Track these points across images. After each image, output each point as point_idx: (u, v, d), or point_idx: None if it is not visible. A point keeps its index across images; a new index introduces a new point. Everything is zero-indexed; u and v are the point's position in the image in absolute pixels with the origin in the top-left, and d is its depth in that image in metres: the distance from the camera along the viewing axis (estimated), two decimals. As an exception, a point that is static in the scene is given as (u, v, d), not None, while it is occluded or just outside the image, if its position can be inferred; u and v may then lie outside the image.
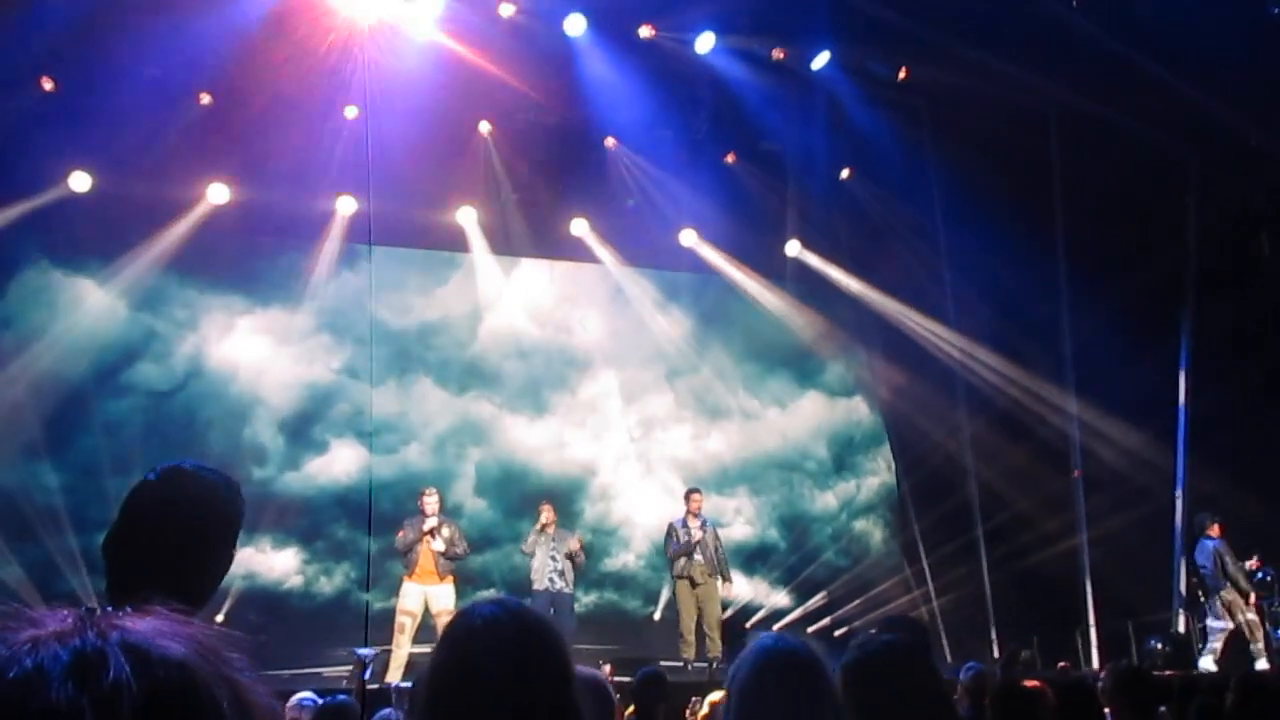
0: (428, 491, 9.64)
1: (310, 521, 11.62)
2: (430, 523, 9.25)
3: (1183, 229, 11.31)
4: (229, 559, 1.87)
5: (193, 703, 0.59)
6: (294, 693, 5.85)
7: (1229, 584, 9.45)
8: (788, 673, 2.02)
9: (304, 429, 11.97)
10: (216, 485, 1.86)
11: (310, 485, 11.78)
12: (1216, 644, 9.48)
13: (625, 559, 12.59)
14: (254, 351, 11.95)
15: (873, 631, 2.42)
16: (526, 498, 12.10)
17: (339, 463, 11.99)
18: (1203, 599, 9.84)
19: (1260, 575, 9.77)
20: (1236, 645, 9.47)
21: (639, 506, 12.81)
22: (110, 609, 0.65)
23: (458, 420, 12.67)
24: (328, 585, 11.68)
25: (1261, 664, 9.10)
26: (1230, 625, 9.46)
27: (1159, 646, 10.14)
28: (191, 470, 1.87)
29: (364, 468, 11.87)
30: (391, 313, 12.49)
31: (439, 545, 9.20)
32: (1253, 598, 9.55)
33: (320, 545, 11.69)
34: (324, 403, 12.13)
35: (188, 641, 0.62)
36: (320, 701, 5.13)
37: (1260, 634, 9.44)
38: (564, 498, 12.39)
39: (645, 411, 13.35)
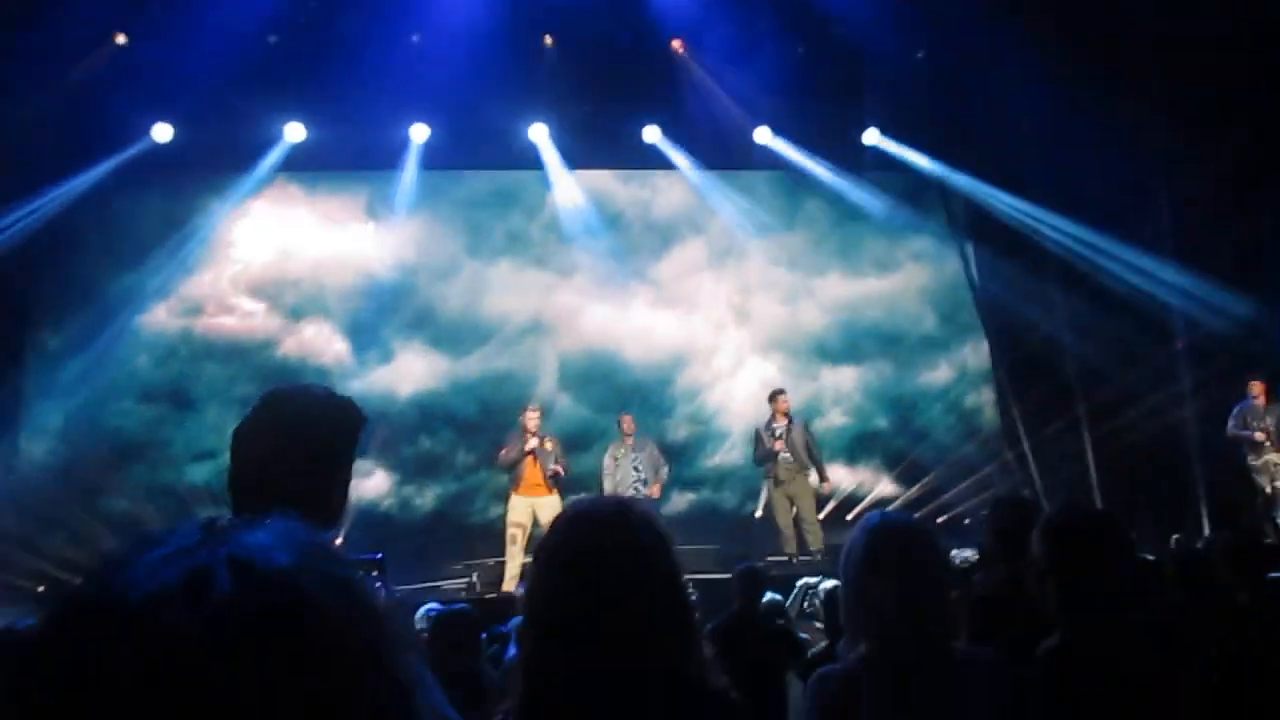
0: (531, 408, 9.87)
1: (390, 436, 11.61)
2: (532, 443, 9.49)
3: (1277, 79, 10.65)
4: (346, 476, 1.83)
5: (298, 611, 0.60)
6: (419, 605, 6.13)
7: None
8: (898, 546, 2.05)
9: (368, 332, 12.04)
10: (319, 403, 1.82)
11: (383, 396, 11.64)
12: None
13: (722, 455, 12.53)
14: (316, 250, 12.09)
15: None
16: (618, 391, 12.23)
17: (409, 369, 12.07)
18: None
19: None
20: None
21: (736, 395, 12.66)
22: (229, 521, 0.67)
23: (535, 314, 12.59)
24: (428, 500, 11.88)
25: None
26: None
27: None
28: (291, 393, 1.84)
29: (440, 373, 12.02)
30: (468, 228, 12.56)
31: (545, 449, 9.46)
32: None
33: (409, 461, 11.83)
34: (387, 301, 12.12)
35: (297, 549, 0.63)
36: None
37: None
38: (653, 390, 12.47)
39: (737, 287, 13.09)
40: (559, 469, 9.57)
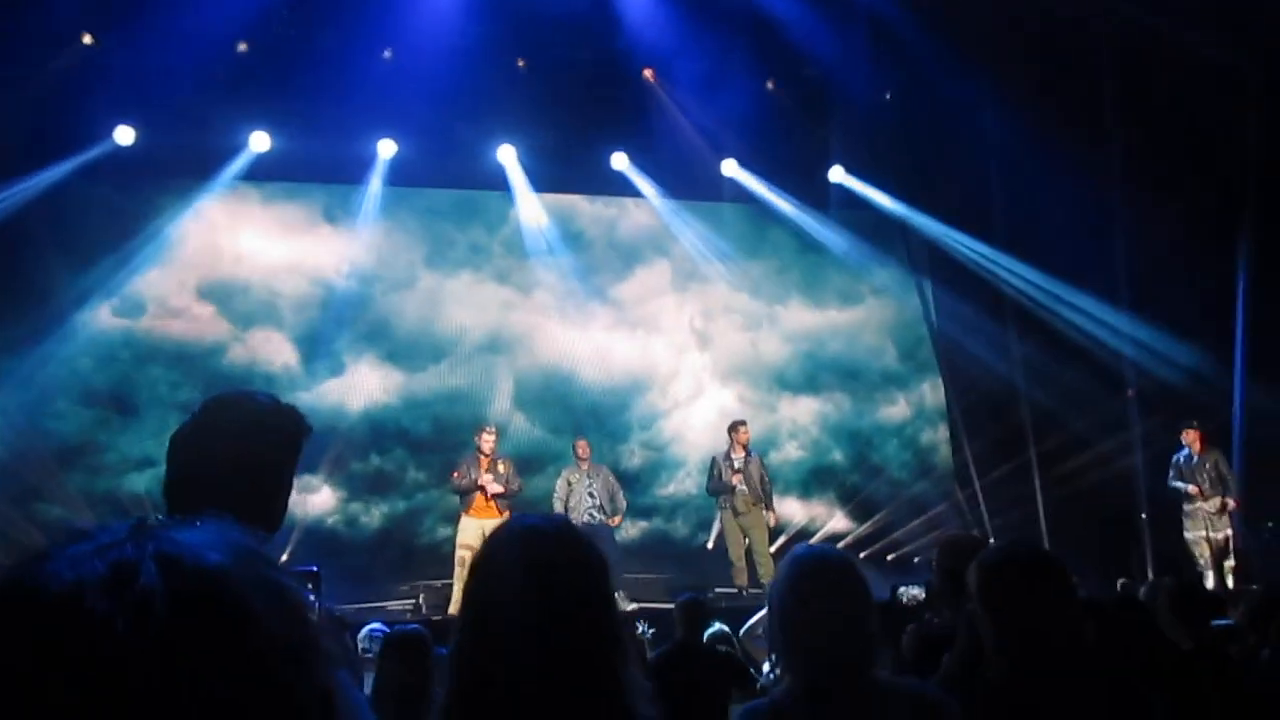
0: (487, 429, 9.79)
1: (339, 452, 11.34)
2: (486, 480, 9.41)
3: (1242, 143, 10.95)
4: (287, 486, 1.80)
5: (223, 608, 0.60)
6: (361, 625, 6.03)
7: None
8: (822, 578, 2.06)
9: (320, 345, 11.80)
10: (262, 410, 1.77)
11: (333, 410, 11.40)
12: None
13: (676, 485, 12.49)
14: (271, 257, 11.86)
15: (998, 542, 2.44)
16: (573, 413, 12.14)
17: (361, 383, 11.87)
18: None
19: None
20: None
21: (692, 423, 12.62)
22: (161, 520, 0.66)
23: (493, 331, 12.40)
24: (374, 518, 11.67)
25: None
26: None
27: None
28: (233, 399, 1.79)
29: (393, 388, 11.82)
30: (428, 240, 12.47)
31: (496, 488, 9.39)
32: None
33: (357, 477, 11.60)
34: (342, 311, 11.87)
35: (228, 549, 0.63)
36: (388, 630, 5.29)
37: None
38: (610, 414, 12.38)
39: (699, 312, 13.06)
40: (501, 489, 9.46)
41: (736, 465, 10.19)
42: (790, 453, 12.85)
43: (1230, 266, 11.09)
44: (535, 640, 1.42)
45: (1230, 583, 9.70)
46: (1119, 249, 11.43)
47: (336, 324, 11.79)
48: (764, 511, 10.23)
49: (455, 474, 9.71)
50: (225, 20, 9.98)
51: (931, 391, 13.35)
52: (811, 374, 13.13)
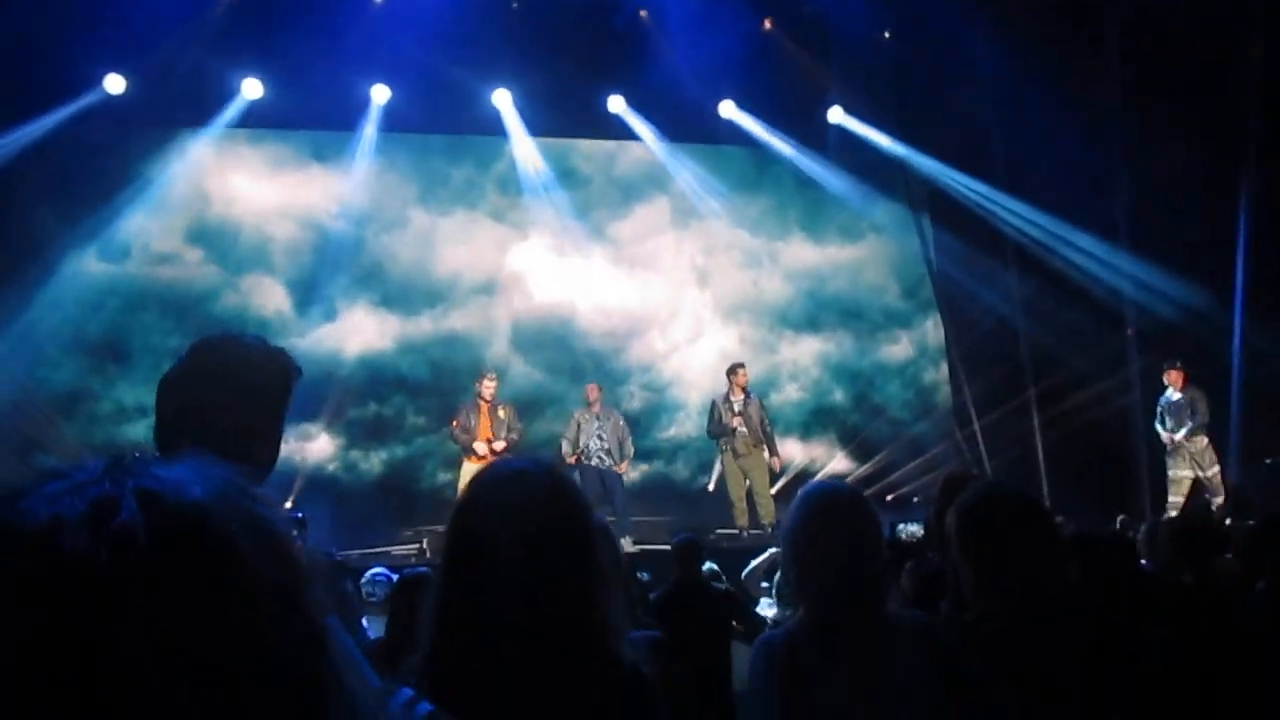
0: (488, 376, 9.80)
1: (337, 399, 11.30)
2: (481, 443, 9.41)
3: (1243, 78, 10.81)
4: (278, 427, 1.78)
5: (205, 542, 0.59)
6: (365, 569, 6.09)
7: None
8: (833, 513, 2.10)
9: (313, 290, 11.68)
10: (251, 352, 1.77)
11: (329, 356, 11.34)
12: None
13: (676, 427, 12.50)
14: (261, 200, 11.72)
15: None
16: (572, 355, 12.14)
17: (356, 327, 11.80)
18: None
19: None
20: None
21: (692, 365, 12.58)
22: (138, 456, 0.64)
23: (489, 273, 12.31)
24: (374, 465, 11.67)
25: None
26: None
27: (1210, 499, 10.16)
28: (221, 341, 1.79)
29: (389, 332, 11.73)
30: (421, 180, 12.33)
31: (498, 445, 9.41)
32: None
33: (355, 424, 11.58)
34: (336, 255, 11.74)
35: (211, 485, 0.62)
36: (394, 576, 5.34)
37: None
38: (608, 357, 12.36)
39: (699, 250, 12.96)
40: (504, 445, 9.48)
41: (736, 408, 10.23)
42: (791, 394, 12.87)
43: (1232, 204, 11.01)
44: (519, 583, 1.43)
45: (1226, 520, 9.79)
46: (1119, 186, 11.36)
47: (330, 268, 11.68)
48: (764, 454, 10.27)
49: (455, 423, 9.75)
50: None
51: (934, 330, 13.33)
52: (813, 313, 13.07)
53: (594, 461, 9.85)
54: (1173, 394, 10.20)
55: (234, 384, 1.72)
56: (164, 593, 0.56)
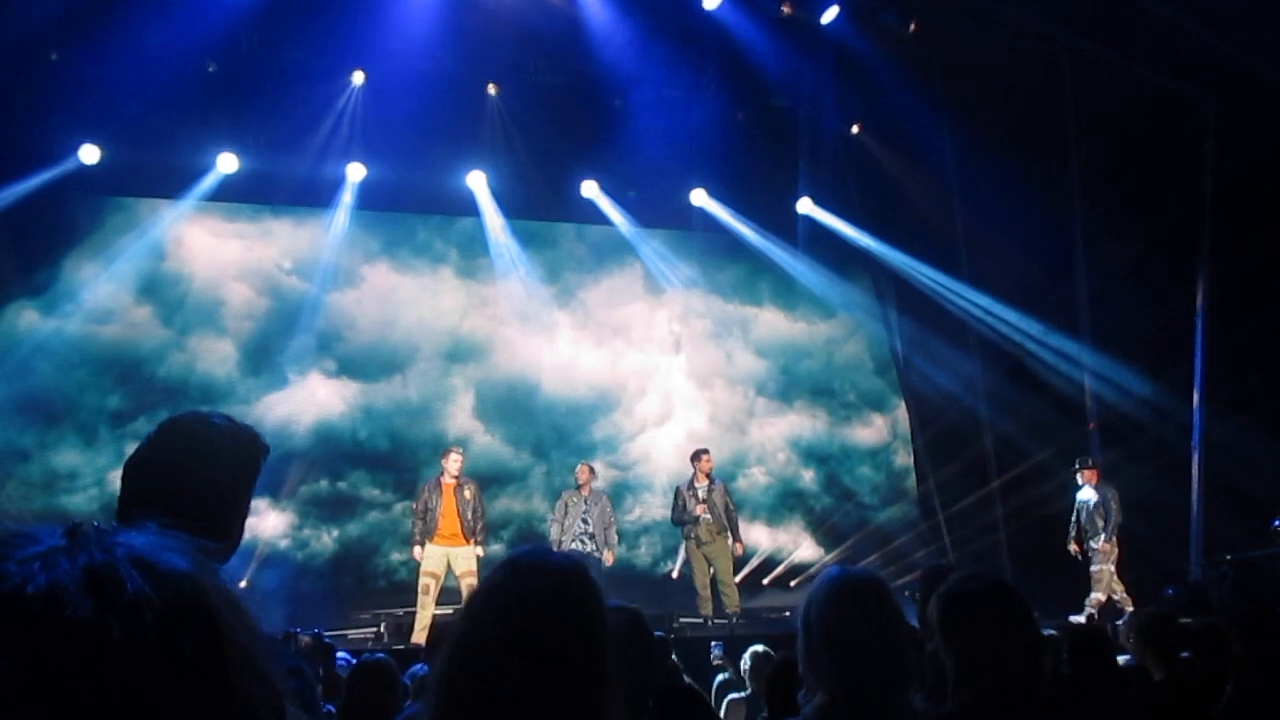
0: (453, 450, 9.62)
1: (286, 470, 10.89)
2: (419, 554, 9.21)
3: (1199, 173, 11.18)
4: (243, 508, 1.78)
5: (206, 612, 0.60)
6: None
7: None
8: (864, 599, 2.09)
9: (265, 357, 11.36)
10: (220, 433, 1.76)
11: (279, 426, 10.93)
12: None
13: (641, 509, 12.29)
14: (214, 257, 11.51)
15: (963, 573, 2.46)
16: (535, 427, 11.89)
17: (312, 394, 11.48)
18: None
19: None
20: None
21: (660, 443, 12.43)
22: (97, 525, 0.64)
23: (453, 339, 12.06)
24: (327, 543, 11.26)
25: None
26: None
27: (1175, 595, 10.18)
28: (189, 421, 1.78)
29: (345, 400, 11.38)
30: (387, 241, 12.23)
31: (466, 511, 9.22)
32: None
33: (307, 498, 11.21)
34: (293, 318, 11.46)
35: (186, 555, 0.63)
36: (354, 660, 5.20)
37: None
38: (574, 429, 12.18)
39: (669, 322, 12.85)
40: (478, 515, 9.31)
41: (700, 495, 10.11)
42: (758, 477, 12.82)
43: (1189, 297, 11.27)
44: (529, 679, 1.40)
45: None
46: (1079, 279, 11.61)
47: (285, 330, 11.43)
48: (729, 541, 10.19)
49: (415, 505, 9.52)
50: (195, 40, 9.90)
51: (906, 414, 13.41)
52: (785, 388, 13.05)
53: (573, 544, 9.67)
54: (1088, 492, 10.32)
55: (203, 467, 1.71)
56: (171, 662, 0.57)
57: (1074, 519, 10.34)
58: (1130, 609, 9.72)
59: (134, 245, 11.15)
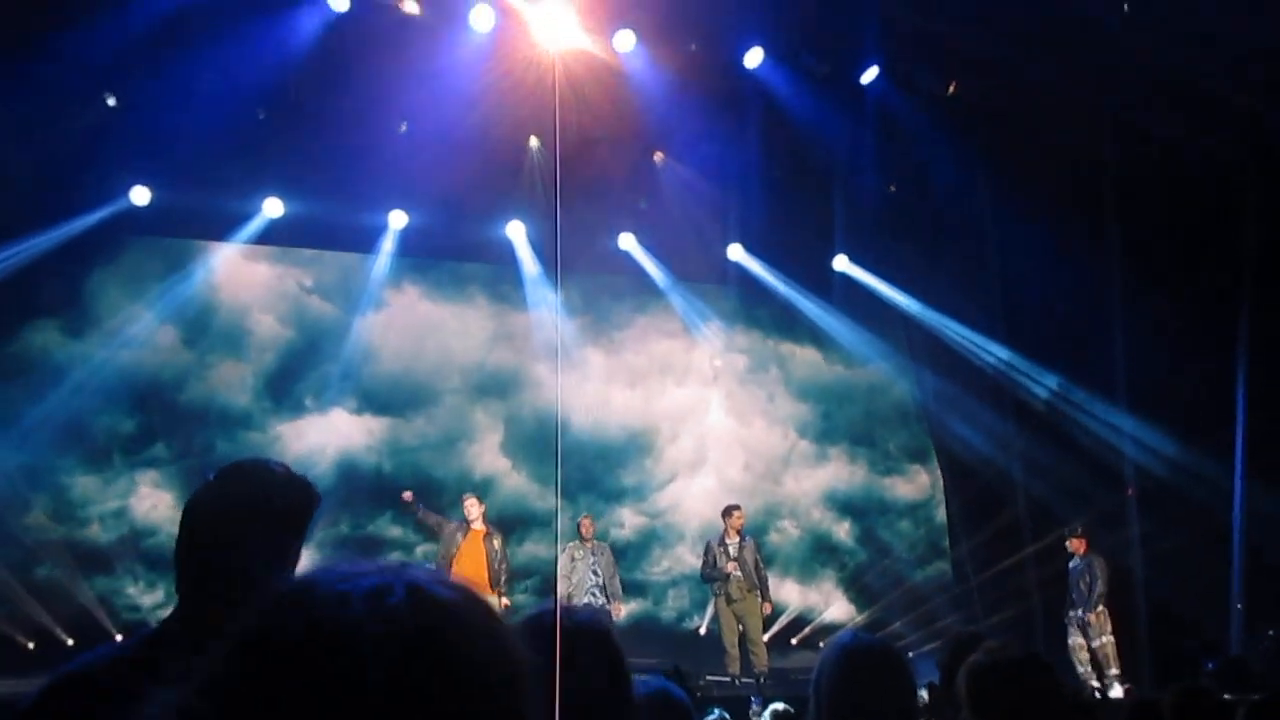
0: (471, 498, 9.60)
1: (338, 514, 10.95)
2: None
3: (1239, 236, 11.09)
4: (295, 555, 1.84)
5: (454, 634, 0.74)
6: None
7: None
8: (874, 666, 2.07)
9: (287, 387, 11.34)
10: (277, 481, 1.83)
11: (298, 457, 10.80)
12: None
13: (670, 560, 12.09)
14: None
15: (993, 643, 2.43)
16: (565, 467, 11.63)
17: (330, 428, 11.44)
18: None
19: None
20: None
21: (692, 490, 12.28)
22: (404, 561, 0.82)
23: (479, 373, 11.95)
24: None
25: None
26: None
27: (1215, 669, 9.92)
28: (249, 468, 1.86)
29: (371, 434, 11.25)
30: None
31: (495, 562, 9.17)
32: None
33: (327, 543, 10.94)
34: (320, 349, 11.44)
35: (461, 592, 0.79)
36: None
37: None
38: (602, 472, 12.02)
39: (705, 362, 12.68)
40: (500, 569, 9.25)
41: (731, 552, 10.03)
42: (790, 531, 12.64)
43: (1230, 363, 11.12)
44: None
45: (1119, 691, 9.64)
46: (1117, 342, 11.50)
47: (308, 361, 11.45)
48: (759, 599, 10.08)
49: (439, 550, 9.47)
50: (246, 88, 10.16)
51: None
52: (823, 436, 12.84)
53: (585, 598, 9.61)
54: (1075, 561, 10.22)
55: (260, 513, 1.78)
56: (409, 662, 0.71)
57: (1069, 590, 10.25)
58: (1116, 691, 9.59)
59: (179, 286, 11.35)
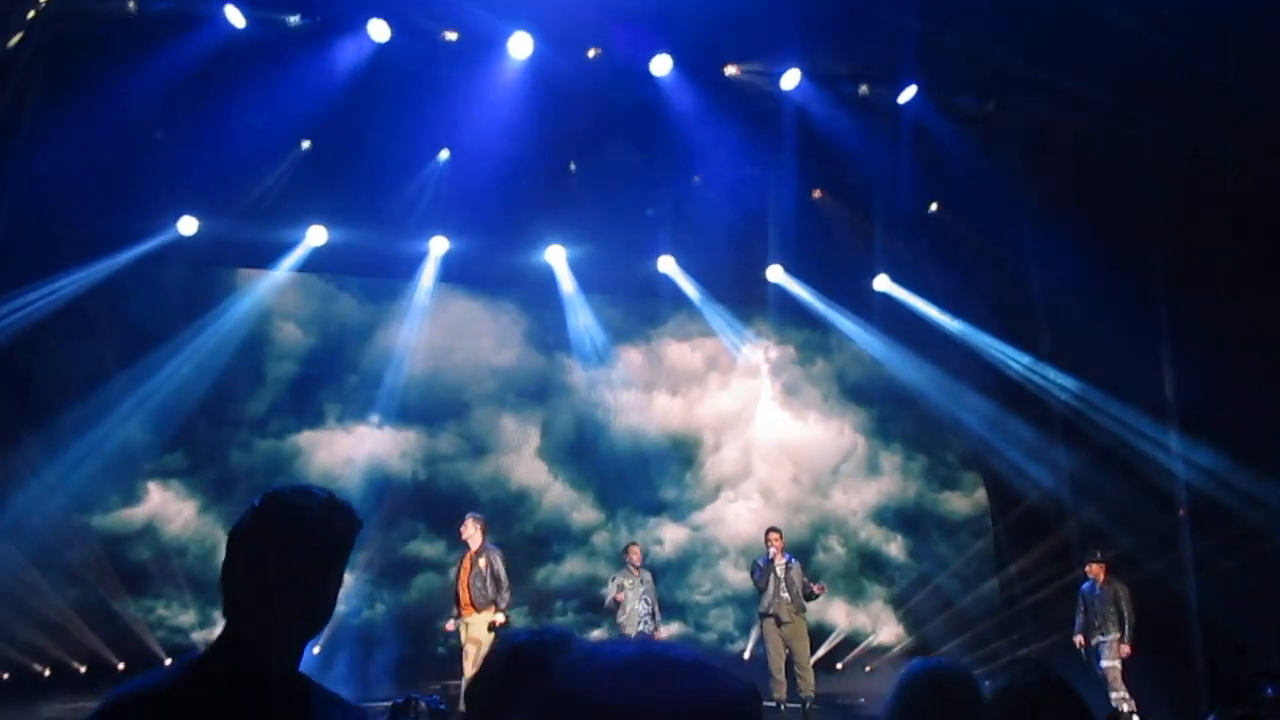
0: (469, 518, 9.57)
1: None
2: (450, 625, 9.30)
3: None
4: (337, 581, 1.88)
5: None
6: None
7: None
8: (949, 696, 2.05)
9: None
10: (320, 506, 1.86)
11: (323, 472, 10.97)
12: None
13: (711, 582, 11.93)
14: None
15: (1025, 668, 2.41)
16: (598, 479, 11.55)
17: (361, 439, 11.43)
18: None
19: None
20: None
21: (737, 508, 12.15)
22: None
23: (515, 379, 11.83)
24: (377, 610, 11.11)
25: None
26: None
27: (1274, 695, 9.65)
28: (290, 495, 1.88)
29: (400, 445, 11.21)
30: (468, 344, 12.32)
31: (484, 586, 9.23)
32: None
33: (355, 561, 10.97)
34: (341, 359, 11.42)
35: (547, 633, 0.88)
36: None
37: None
38: (640, 483, 11.88)
39: (746, 370, 12.53)
40: (489, 592, 9.22)
41: (779, 572, 9.92)
42: (837, 549, 12.45)
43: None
44: None
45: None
46: (1166, 363, 11.29)
47: (335, 367, 11.49)
48: (805, 622, 9.95)
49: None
50: (291, 119, 10.34)
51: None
52: (876, 443, 12.61)
53: (642, 628, 9.55)
54: (1095, 588, 10.12)
55: (303, 540, 1.82)
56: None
57: (1079, 611, 10.17)
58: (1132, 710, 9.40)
59: (228, 313, 11.51)
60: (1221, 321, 10.22)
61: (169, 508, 11.02)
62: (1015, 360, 12.24)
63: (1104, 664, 9.84)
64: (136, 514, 10.93)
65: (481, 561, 9.29)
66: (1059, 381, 11.92)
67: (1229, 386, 10.27)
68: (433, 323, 11.97)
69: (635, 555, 10.00)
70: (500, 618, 9.12)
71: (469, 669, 8.99)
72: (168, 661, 10.26)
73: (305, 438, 11.48)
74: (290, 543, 1.80)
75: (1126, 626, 9.87)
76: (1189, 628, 10.89)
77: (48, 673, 9.69)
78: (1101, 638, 9.95)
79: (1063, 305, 11.47)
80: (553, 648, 1.55)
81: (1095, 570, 10.20)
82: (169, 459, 11.19)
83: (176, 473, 11.18)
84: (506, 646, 1.54)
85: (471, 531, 9.41)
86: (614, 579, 9.93)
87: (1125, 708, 9.48)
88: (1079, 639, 10.12)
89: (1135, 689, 9.91)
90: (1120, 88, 9.90)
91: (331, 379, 11.74)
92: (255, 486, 10.92)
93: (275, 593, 1.74)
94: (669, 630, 11.21)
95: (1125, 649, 9.85)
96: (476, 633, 9.07)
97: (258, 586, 1.77)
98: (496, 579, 9.24)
